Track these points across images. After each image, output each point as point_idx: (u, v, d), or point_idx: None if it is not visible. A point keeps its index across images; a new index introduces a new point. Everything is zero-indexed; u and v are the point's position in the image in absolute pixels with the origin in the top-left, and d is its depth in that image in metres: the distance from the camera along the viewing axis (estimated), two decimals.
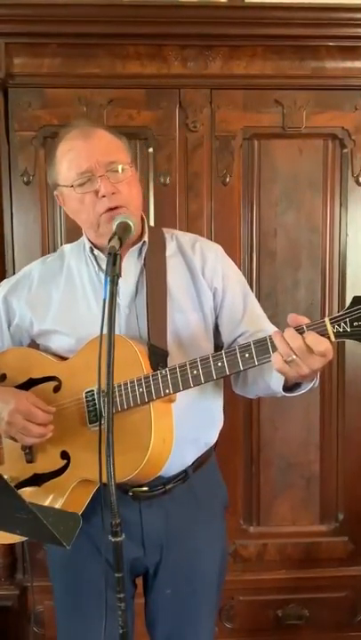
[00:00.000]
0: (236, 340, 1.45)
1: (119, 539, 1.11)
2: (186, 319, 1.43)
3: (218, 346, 1.48)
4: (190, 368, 1.26)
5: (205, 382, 1.27)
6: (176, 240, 1.51)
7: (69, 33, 2.01)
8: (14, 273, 1.84)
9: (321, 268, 2.22)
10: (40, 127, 2.09)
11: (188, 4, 2.08)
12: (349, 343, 2.20)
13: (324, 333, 1.14)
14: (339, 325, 1.13)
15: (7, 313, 1.53)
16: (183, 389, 1.28)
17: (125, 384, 1.30)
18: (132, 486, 1.39)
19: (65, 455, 1.40)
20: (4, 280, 1.61)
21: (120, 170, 1.37)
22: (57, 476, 1.40)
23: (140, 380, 1.30)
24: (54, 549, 1.48)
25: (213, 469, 1.56)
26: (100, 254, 1.44)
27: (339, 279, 2.23)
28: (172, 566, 1.48)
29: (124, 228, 1.30)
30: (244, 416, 2.24)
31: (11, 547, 2.17)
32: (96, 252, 1.45)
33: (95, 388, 1.34)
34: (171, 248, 1.49)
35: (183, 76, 2.09)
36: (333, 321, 1.14)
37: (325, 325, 1.14)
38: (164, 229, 1.54)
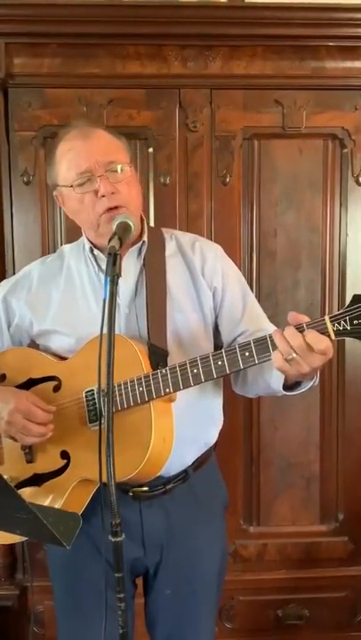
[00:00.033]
0: (235, 339, 1.45)
1: (119, 539, 1.11)
2: (186, 319, 1.43)
3: (218, 345, 1.48)
4: (190, 367, 1.26)
5: (206, 381, 1.27)
6: (175, 240, 1.51)
7: (69, 33, 2.01)
8: (14, 273, 1.84)
9: (321, 267, 2.22)
10: (40, 127, 2.09)
11: (188, 4, 2.08)
12: (349, 343, 2.22)
13: (324, 331, 1.14)
14: (339, 323, 1.14)
15: (7, 313, 1.53)
16: (183, 388, 1.28)
17: (125, 383, 1.30)
18: (132, 486, 1.39)
19: (65, 455, 1.40)
20: (4, 280, 1.61)
21: (119, 170, 1.37)
22: (57, 475, 1.40)
23: (141, 379, 1.30)
24: (54, 549, 1.48)
25: (213, 469, 1.56)
26: (100, 254, 1.44)
27: (339, 279, 2.23)
28: (172, 566, 1.48)
29: (123, 228, 1.31)
30: (244, 416, 2.24)
31: (11, 547, 2.17)
32: (96, 251, 1.45)
33: (95, 388, 1.34)
34: (170, 248, 1.49)
35: (183, 76, 2.09)
36: (333, 319, 1.14)
37: (325, 323, 1.14)
38: (164, 229, 1.54)
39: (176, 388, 1.28)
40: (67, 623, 1.52)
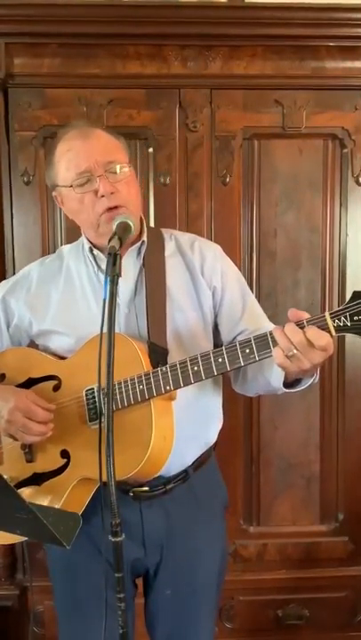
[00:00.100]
0: (235, 338, 1.45)
1: (119, 539, 1.11)
2: (185, 318, 1.43)
3: (217, 345, 1.48)
4: (191, 364, 1.27)
5: (206, 378, 1.27)
6: (175, 240, 1.51)
7: (69, 33, 2.01)
8: (14, 273, 1.84)
9: (321, 267, 2.22)
10: (40, 127, 2.09)
11: (188, 4, 2.08)
12: (349, 344, 2.22)
13: (324, 328, 1.14)
14: (339, 320, 1.14)
15: (6, 313, 1.53)
16: (184, 386, 1.28)
17: (126, 381, 1.30)
18: (132, 486, 1.39)
19: (65, 454, 1.40)
20: (3, 281, 1.61)
21: (119, 170, 1.37)
22: (57, 475, 1.40)
23: (141, 377, 1.30)
24: (54, 549, 1.48)
25: (213, 469, 1.56)
26: (100, 254, 1.44)
27: (339, 279, 2.23)
28: (172, 566, 1.48)
29: (123, 228, 1.31)
30: (244, 416, 2.24)
31: (11, 547, 2.17)
32: (95, 251, 1.45)
33: (95, 387, 1.34)
34: (170, 248, 1.49)
35: (183, 76, 2.09)
36: (334, 315, 1.14)
37: (326, 320, 1.14)
38: (163, 229, 1.55)
39: (176, 386, 1.28)
40: (67, 623, 1.52)
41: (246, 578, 2.28)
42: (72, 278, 1.49)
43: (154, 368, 1.31)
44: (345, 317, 1.13)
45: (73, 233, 1.75)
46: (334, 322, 1.14)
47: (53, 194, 1.46)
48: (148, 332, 1.37)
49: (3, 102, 2.07)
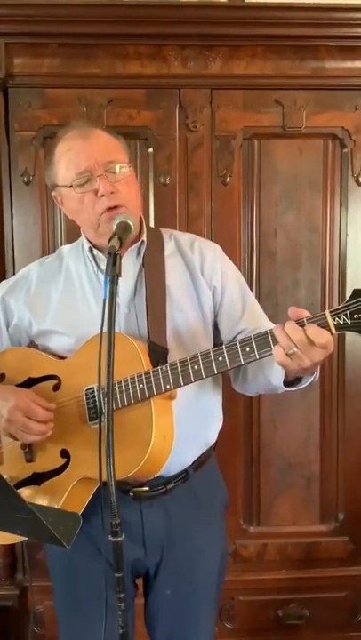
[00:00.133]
0: (235, 338, 1.45)
1: (119, 539, 1.11)
2: (185, 318, 1.43)
3: (217, 345, 1.48)
4: (191, 363, 1.26)
5: (207, 377, 1.27)
6: (175, 240, 1.51)
7: (69, 33, 2.01)
8: (14, 273, 1.84)
9: (321, 267, 2.22)
10: (40, 127, 2.09)
11: (188, 4, 2.08)
12: (349, 344, 2.22)
13: (324, 326, 1.14)
14: (339, 318, 1.14)
15: (5, 313, 1.53)
16: (184, 384, 1.28)
17: (126, 380, 1.30)
18: (132, 486, 1.39)
19: (65, 453, 1.40)
20: (3, 281, 1.61)
21: (118, 169, 1.37)
22: (57, 474, 1.40)
23: (141, 375, 1.30)
24: (54, 549, 1.48)
25: (213, 469, 1.56)
26: (100, 254, 1.44)
27: (339, 279, 2.23)
28: (172, 567, 1.48)
29: (123, 228, 1.31)
30: (244, 416, 2.24)
31: (11, 547, 2.17)
32: (95, 251, 1.45)
33: (95, 386, 1.34)
34: (169, 248, 1.49)
35: (183, 76, 2.09)
36: (334, 313, 1.14)
37: (326, 318, 1.14)
38: (162, 229, 1.55)
39: (177, 385, 1.28)
40: (67, 623, 1.53)
41: (246, 578, 2.28)
42: (72, 278, 1.49)
43: (154, 367, 1.31)
44: (345, 315, 1.13)
45: (73, 233, 1.75)
46: (335, 320, 1.14)
47: (53, 194, 1.46)
48: (148, 332, 1.37)
49: (3, 102, 2.07)
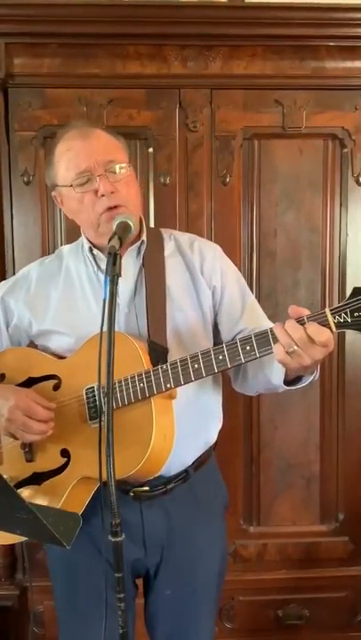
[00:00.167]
0: (235, 337, 1.45)
1: (119, 539, 1.11)
2: (185, 317, 1.43)
3: (217, 344, 1.48)
4: (192, 362, 1.26)
5: (207, 375, 1.27)
6: (174, 240, 1.52)
7: (69, 33, 2.01)
8: (14, 273, 1.84)
9: (321, 267, 2.22)
10: (40, 127, 2.09)
11: (188, 4, 2.08)
12: (349, 343, 2.22)
13: (325, 324, 1.15)
14: (339, 316, 1.14)
15: (5, 313, 1.53)
16: (184, 383, 1.28)
17: (126, 379, 1.30)
18: (133, 486, 1.39)
19: (65, 453, 1.40)
20: (2, 282, 1.61)
21: (118, 169, 1.37)
22: (57, 474, 1.40)
23: (141, 374, 1.30)
24: (54, 549, 1.48)
25: (213, 469, 1.56)
26: (100, 254, 1.44)
27: (339, 279, 2.23)
28: (172, 567, 1.48)
29: (124, 228, 1.31)
30: (244, 416, 2.24)
31: (11, 547, 2.17)
32: (95, 251, 1.45)
33: (95, 385, 1.34)
34: (169, 248, 1.49)
35: (183, 76, 2.09)
36: (334, 311, 1.14)
37: (326, 316, 1.14)
38: (162, 229, 1.55)
39: (177, 384, 1.28)
40: (67, 623, 1.53)
41: (246, 578, 2.28)
42: (72, 278, 1.49)
43: (154, 366, 1.31)
44: (345, 313, 1.14)
45: (73, 233, 1.75)
46: (335, 318, 1.14)
47: (53, 194, 1.46)
48: (149, 331, 1.37)
49: (3, 102, 2.07)
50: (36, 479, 1.43)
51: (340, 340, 2.22)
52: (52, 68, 2.06)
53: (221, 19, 2.04)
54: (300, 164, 2.18)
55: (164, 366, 1.29)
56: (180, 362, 1.27)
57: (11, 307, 1.52)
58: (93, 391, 1.36)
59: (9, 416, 1.35)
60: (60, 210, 1.57)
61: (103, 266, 1.38)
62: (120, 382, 1.30)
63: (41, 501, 1.38)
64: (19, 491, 1.31)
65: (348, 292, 2.10)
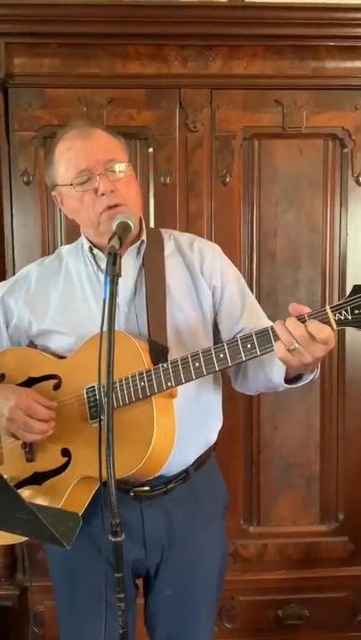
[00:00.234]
0: (235, 337, 1.45)
1: (119, 539, 1.11)
2: (185, 317, 1.43)
3: (217, 344, 1.48)
4: (192, 360, 1.26)
5: (208, 374, 1.27)
6: (174, 240, 1.52)
7: (69, 33, 2.01)
8: (14, 273, 1.84)
9: (321, 267, 2.22)
10: (40, 127, 2.09)
11: (189, 4, 2.08)
12: (349, 343, 2.22)
13: (325, 321, 1.15)
14: (340, 313, 1.14)
15: (5, 314, 1.53)
16: (185, 382, 1.28)
17: (127, 378, 1.30)
18: (133, 486, 1.39)
19: (66, 453, 1.40)
20: (2, 282, 1.61)
21: (118, 169, 1.37)
22: (57, 474, 1.40)
23: (142, 373, 1.30)
24: (54, 549, 1.48)
25: (214, 470, 1.56)
26: (100, 253, 1.44)
27: (339, 279, 2.23)
28: (172, 567, 1.48)
29: (124, 228, 1.31)
30: (244, 416, 2.24)
31: (11, 547, 2.17)
32: (95, 251, 1.45)
33: (96, 384, 1.34)
34: (169, 247, 1.49)
35: (183, 76, 2.09)
36: (335, 309, 1.15)
37: (327, 313, 1.15)
38: (162, 230, 1.55)
39: (178, 382, 1.28)
40: (67, 623, 1.53)
41: (246, 578, 2.28)
42: (71, 278, 1.49)
43: (155, 365, 1.31)
44: (346, 311, 1.14)
45: (73, 233, 1.75)
46: (335, 315, 1.14)
47: (53, 194, 1.46)
48: (149, 331, 1.37)
49: (3, 102, 2.07)
50: (37, 479, 1.42)
51: (341, 340, 2.22)
52: (52, 68, 2.06)
53: (221, 19, 2.04)
54: (301, 164, 2.18)
55: (165, 365, 1.29)
56: (182, 360, 1.27)
57: (11, 307, 1.52)
58: (94, 390, 1.36)
59: (10, 415, 1.35)
60: (60, 210, 1.57)
61: (103, 265, 1.38)
62: (121, 381, 1.30)
63: (42, 501, 1.38)
64: (19, 491, 1.31)
65: (348, 291, 2.10)
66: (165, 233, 1.53)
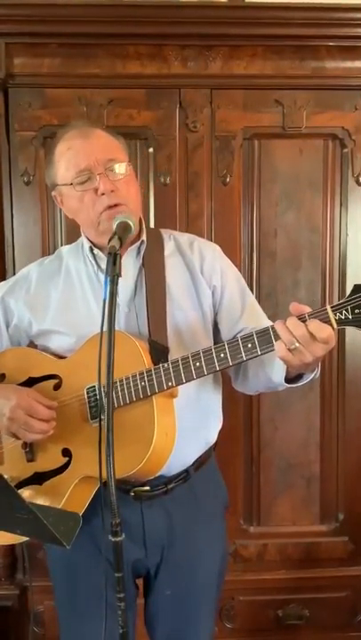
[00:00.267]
0: (235, 337, 1.45)
1: (119, 538, 1.11)
2: (185, 317, 1.43)
3: (217, 344, 1.48)
4: (193, 360, 1.26)
5: (208, 374, 1.27)
6: (174, 240, 1.52)
7: (69, 33, 2.01)
8: (14, 273, 1.84)
9: (321, 267, 2.22)
10: (40, 127, 2.09)
11: (188, 4, 2.08)
12: (349, 344, 2.23)
13: (326, 321, 1.15)
14: (340, 313, 1.14)
15: (5, 314, 1.53)
16: (186, 382, 1.28)
17: (127, 378, 1.30)
18: (133, 486, 1.39)
19: (66, 452, 1.40)
20: (2, 282, 1.61)
21: (118, 169, 1.37)
22: (58, 474, 1.40)
23: (143, 373, 1.30)
24: (54, 549, 1.48)
25: (214, 470, 1.56)
26: (100, 253, 1.44)
27: (339, 279, 2.23)
28: (172, 567, 1.48)
29: (124, 228, 1.31)
30: (244, 416, 2.24)
31: (11, 547, 2.17)
32: (95, 250, 1.45)
33: (96, 384, 1.34)
34: (169, 247, 1.49)
35: (183, 76, 2.10)
36: (335, 308, 1.15)
37: (327, 313, 1.15)
38: (162, 230, 1.55)
39: (178, 382, 1.28)
40: (67, 623, 1.53)
41: (246, 578, 2.28)
42: (72, 278, 1.49)
43: (155, 365, 1.31)
44: (346, 310, 1.14)
45: (73, 233, 1.75)
46: (336, 315, 1.15)
47: (53, 193, 1.46)
48: (149, 331, 1.37)
49: (3, 102, 2.07)
50: (38, 479, 1.42)
51: (341, 340, 2.22)
52: (52, 67, 2.06)
53: (221, 19, 2.04)
54: (301, 164, 2.18)
55: (166, 365, 1.29)
56: (182, 360, 1.27)
57: (11, 307, 1.52)
58: (94, 390, 1.36)
59: (10, 415, 1.35)
60: (60, 210, 1.57)
61: (103, 265, 1.38)
62: (121, 381, 1.30)
63: (42, 501, 1.38)
64: (20, 491, 1.31)
65: (348, 291, 2.10)
66: (165, 233, 1.53)
